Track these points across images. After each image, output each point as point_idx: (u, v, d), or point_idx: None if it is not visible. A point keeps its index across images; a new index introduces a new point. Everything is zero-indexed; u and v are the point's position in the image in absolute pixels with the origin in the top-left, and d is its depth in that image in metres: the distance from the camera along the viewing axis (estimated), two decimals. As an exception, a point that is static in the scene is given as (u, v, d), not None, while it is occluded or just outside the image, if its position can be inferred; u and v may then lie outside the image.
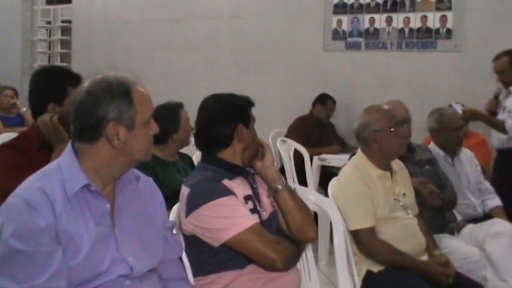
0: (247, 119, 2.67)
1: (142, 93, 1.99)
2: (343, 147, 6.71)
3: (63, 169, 1.91)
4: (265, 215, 2.65)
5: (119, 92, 1.93)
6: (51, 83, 2.81)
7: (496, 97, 5.53)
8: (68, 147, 1.98)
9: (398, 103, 3.89)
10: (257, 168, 2.70)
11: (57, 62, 9.66)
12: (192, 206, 2.51)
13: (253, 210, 2.59)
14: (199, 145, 2.75)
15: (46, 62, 9.77)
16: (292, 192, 2.70)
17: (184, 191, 2.56)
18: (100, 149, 1.93)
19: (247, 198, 2.60)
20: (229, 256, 2.49)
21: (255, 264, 2.51)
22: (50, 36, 9.96)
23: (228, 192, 2.50)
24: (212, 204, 2.46)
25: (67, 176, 1.89)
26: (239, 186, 2.59)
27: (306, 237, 2.71)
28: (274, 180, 2.68)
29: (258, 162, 2.69)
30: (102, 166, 1.95)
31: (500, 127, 5.10)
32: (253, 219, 2.50)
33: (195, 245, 2.43)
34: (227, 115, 2.66)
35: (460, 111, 4.97)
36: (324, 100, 6.92)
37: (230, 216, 2.45)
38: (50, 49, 9.90)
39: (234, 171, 2.63)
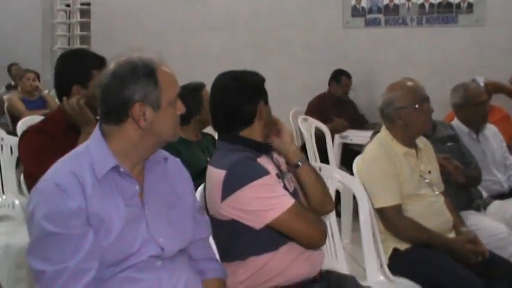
0: (266, 96, 2.65)
1: (167, 74, 1.99)
2: (363, 124, 6.68)
3: (92, 151, 1.93)
4: (291, 191, 2.63)
5: (144, 72, 1.93)
6: (76, 65, 2.82)
7: None
8: (96, 129, 1.99)
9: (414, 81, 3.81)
10: (275, 145, 2.67)
11: (77, 44, 9.69)
12: (231, 188, 2.43)
13: (284, 187, 2.56)
14: (217, 124, 2.69)
15: (66, 44, 9.82)
16: (311, 167, 2.70)
17: (217, 173, 2.48)
18: (127, 131, 1.94)
19: (277, 176, 2.57)
20: (265, 238, 2.46)
21: (295, 243, 2.49)
22: (69, 19, 9.99)
23: (265, 171, 2.47)
24: (253, 185, 2.40)
25: (96, 158, 1.90)
26: (268, 165, 2.56)
27: (325, 209, 2.76)
28: (295, 155, 2.66)
29: (277, 139, 2.66)
30: (130, 147, 1.95)
31: None
32: (292, 198, 2.48)
33: (228, 229, 2.40)
34: (249, 93, 2.61)
35: (482, 84, 4.92)
36: (337, 77, 6.87)
37: (272, 197, 2.42)
38: (69, 32, 9.94)
39: (259, 149, 2.59)
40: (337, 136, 6.23)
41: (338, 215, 5.22)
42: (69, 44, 9.80)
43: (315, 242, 2.51)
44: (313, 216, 2.54)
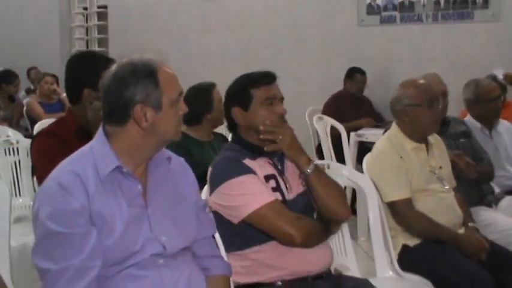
0: (242, 102, 2.64)
1: (168, 74, 2.01)
2: (379, 122, 6.68)
3: (95, 152, 1.96)
4: (291, 194, 2.64)
5: (145, 73, 1.95)
6: (86, 68, 2.81)
7: None
8: (100, 130, 2.02)
9: (434, 76, 3.82)
10: (285, 154, 2.65)
11: (95, 47, 9.79)
12: (213, 184, 2.55)
13: (276, 189, 2.59)
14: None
15: (84, 47, 9.91)
16: (321, 175, 2.65)
17: (209, 170, 2.61)
18: (130, 131, 1.96)
19: (268, 177, 2.59)
20: (253, 232, 2.50)
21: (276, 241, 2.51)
22: (87, 22, 10.08)
23: (248, 170, 2.52)
24: (232, 182, 2.48)
25: (99, 159, 1.94)
26: (261, 166, 2.60)
27: (337, 217, 2.68)
28: (304, 163, 2.61)
29: (278, 146, 2.61)
30: (133, 147, 1.98)
31: None
32: (273, 196, 2.50)
33: (220, 222, 2.43)
34: (226, 99, 2.72)
35: (501, 76, 4.88)
36: (351, 74, 6.92)
37: (249, 194, 2.47)
38: (87, 35, 10.03)
39: (255, 151, 2.63)
40: (352, 134, 6.24)
41: (354, 212, 5.24)
42: (87, 47, 9.90)
43: (290, 240, 2.47)
44: (294, 215, 2.51)
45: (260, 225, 2.48)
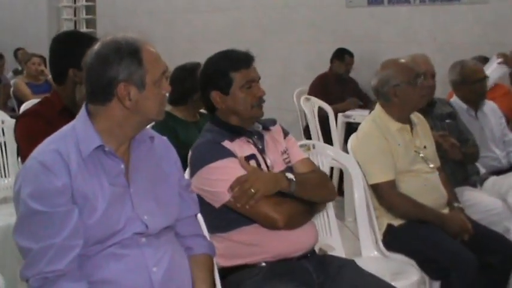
0: (222, 85, 2.60)
1: (151, 53, 2.00)
2: (367, 103, 6.68)
3: (78, 131, 1.95)
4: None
5: (128, 52, 1.94)
6: (71, 48, 2.79)
7: None
8: (82, 109, 2.01)
9: (422, 57, 3.83)
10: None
11: (83, 28, 9.72)
12: (194, 168, 2.53)
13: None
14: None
15: (72, 28, 9.83)
16: (303, 183, 2.57)
17: (189, 154, 2.59)
18: (113, 110, 1.96)
19: (248, 158, 2.57)
20: (235, 215, 2.49)
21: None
22: (75, 3, 10.01)
23: (228, 154, 2.50)
24: (211, 167, 2.47)
25: (81, 138, 1.93)
26: (241, 147, 2.58)
27: (324, 201, 2.77)
28: (283, 188, 2.51)
29: (260, 196, 2.46)
30: (116, 126, 1.98)
31: None
32: None
33: (202, 205, 2.40)
34: (203, 81, 2.69)
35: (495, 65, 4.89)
36: (341, 55, 6.92)
37: (229, 179, 2.44)
38: (75, 15, 9.96)
39: (234, 132, 2.61)
40: (340, 115, 6.25)
41: (342, 193, 5.27)
42: (75, 28, 9.83)
43: (273, 224, 2.45)
44: (276, 199, 2.48)
45: (241, 210, 2.46)
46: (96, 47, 1.98)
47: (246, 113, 2.61)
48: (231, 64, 2.60)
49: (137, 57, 1.95)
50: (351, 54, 6.92)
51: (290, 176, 2.54)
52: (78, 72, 2.73)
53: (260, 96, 2.62)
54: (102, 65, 1.94)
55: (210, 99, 2.63)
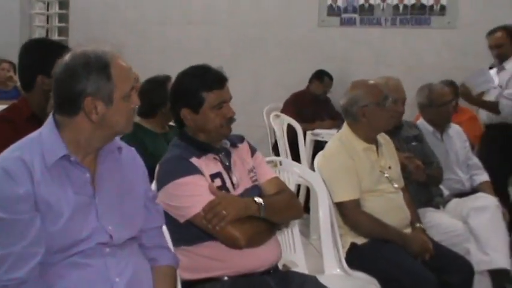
0: (193, 104, 2.60)
1: (121, 67, 1.98)
2: (339, 122, 6.71)
3: (44, 139, 1.94)
4: (238, 190, 2.64)
5: (97, 66, 1.93)
6: (40, 55, 2.80)
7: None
8: (50, 117, 2.00)
9: (395, 81, 3.81)
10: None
11: (55, 35, 9.64)
12: (160, 183, 2.54)
13: (221, 188, 2.58)
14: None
15: (44, 35, 9.74)
16: (272, 206, 2.59)
17: (156, 168, 2.60)
18: (79, 123, 1.95)
19: (214, 176, 2.59)
20: (200, 230, 2.50)
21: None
22: (48, 10, 9.93)
23: (194, 170, 2.51)
24: (178, 183, 2.48)
25: (47, 146, 1.92)
26: (207, 165, 2.59)
27: (292, 220, 2.90)
28: (254, 212, 2.54)
29: (231, 219, 2.47)
30: (82, 138, 1.97)
31: (494, 108, 5.09)
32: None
33: (167, 219, 2.40)
34: (174, 98, 2.69)
35: None
36: (321, 76, 6.96)
37: (195, 195, 2.46)
38: (48, 23, 9.89)
39: (202, 148, 2.62)
40: (309, 133, 6.30)
41: (308, 210, 5.30)
42: (47, 35, 9.74)
43: (234, 243, 2.46)
44: (239, 219, 2.47)
45: (204, 226, 2.46)
46: (66, 58, 1.97)
47: (214, 131, 2.62)
48: (204, 84, 2.59)
49: (106, 72, 1.94)
50: (330, 77, 6.98)
51: (259, 200, 2.55)
52: (47, 80, 2.73)
53: (230, 116, 2.63)
54: (70, 78, 1.93)
55: (180, 115, 2.64)
